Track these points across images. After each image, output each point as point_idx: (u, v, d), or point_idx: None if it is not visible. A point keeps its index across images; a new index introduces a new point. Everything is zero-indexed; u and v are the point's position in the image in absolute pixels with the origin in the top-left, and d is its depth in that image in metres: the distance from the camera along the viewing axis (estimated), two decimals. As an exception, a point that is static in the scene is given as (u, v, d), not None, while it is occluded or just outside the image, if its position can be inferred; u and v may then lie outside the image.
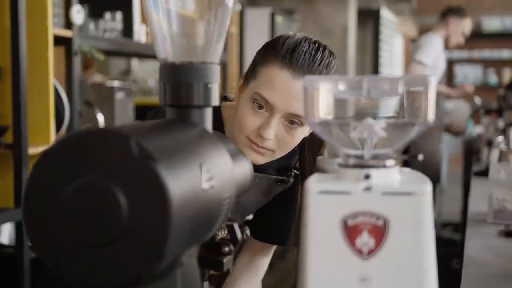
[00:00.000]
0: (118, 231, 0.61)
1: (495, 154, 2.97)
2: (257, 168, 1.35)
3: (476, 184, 2.76)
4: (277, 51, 1.25)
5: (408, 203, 0.67)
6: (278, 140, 1.26)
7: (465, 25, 4.56)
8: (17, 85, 2.35)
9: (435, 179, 4.50)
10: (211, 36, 0.84)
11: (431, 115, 0.69)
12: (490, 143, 3.36)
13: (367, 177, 0.69)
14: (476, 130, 8.72)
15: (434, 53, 4.38)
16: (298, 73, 1.23)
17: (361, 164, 0.71)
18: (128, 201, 0.61)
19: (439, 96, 4.51)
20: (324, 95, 0.71)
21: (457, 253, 2.68)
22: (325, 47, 1.29)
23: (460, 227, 4.91)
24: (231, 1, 0.84)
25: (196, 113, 0.82)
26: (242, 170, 0.86)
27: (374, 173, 0.69)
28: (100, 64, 4.35)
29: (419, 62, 4.33)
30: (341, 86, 0.70)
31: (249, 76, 1.29)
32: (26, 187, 0.63)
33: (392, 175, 0.70)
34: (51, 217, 0.62)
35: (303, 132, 1.28)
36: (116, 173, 0.61)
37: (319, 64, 1.25)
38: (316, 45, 1.27)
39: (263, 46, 1.30)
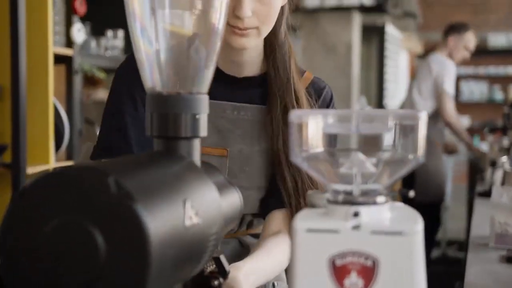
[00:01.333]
0: (97, 272, 0.59)
1: (499, 175, 2.94)
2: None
3: (479, 206, 2.73)
4: None
5: (398, 243, 0.65)
6: (257, 15, 1.21)
7: (467, 40, 4.54)
8: (16, 103, 2.34)
9: (439, 196, 4.46)
10: (199, 66, 0.83)
11: (422, 152, 0.67)
12: (494, 164, 3.33)
13: (356, 214, 0.67)
14: (481, 147, 8.68)
15: (454, 79, 4.43)
16: None
17: (350, 200, 0.68)
18: (106, 241, 0.59)
19: (451, 126, 4.49)
20: (311, 129, 0.68)
21: (461, 273, 2.64)
22: None
23: (465, 246, 4.86)
24: (220, 29, 0.83)
25: (184, 145, 0.80)
26: (230, 202, 0.84)
27: (364, 210, 0.67)
28: (107, 80, 4.35)
29: (449, 94, 4.34)
30: (330, 120, 0.68)
31: None
32: (2, 226, 0.61)
33: (382, 213, 0.68)
34: (28, 257, 0.60)
35: None
36: (94, 212, 0.59)
37: None
38: None
39: None
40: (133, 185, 0.60)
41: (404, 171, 0.69)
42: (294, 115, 0.69)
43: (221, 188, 0.81)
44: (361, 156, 0.69)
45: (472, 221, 2.35)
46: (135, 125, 1.26)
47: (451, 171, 6.41)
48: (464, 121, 10.13)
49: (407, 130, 0.67)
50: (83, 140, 2.78)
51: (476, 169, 4.85)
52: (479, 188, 3.41)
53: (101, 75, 2.73)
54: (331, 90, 1.41)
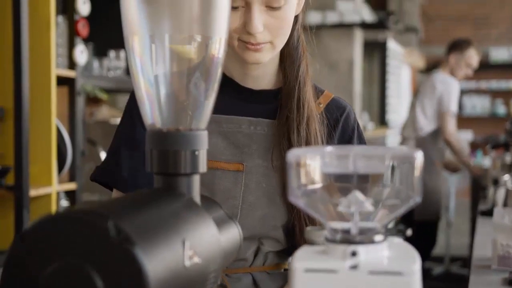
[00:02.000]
0: (96, 315, 0.59)
1: (501, 193, 2.94)
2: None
3: (482, 225, 2.72)
4: None
5: (397, 283, 0.65)
6: (270, 29, 1.16)
7: (468, 57, 4.55)
8: (19, 126, 2.36)
9: (436, 215, 4.48)
10: (198, 100, 0.83)
11: (418, 191, 0.68)
12: (496, 182, 3.33)
13: (353, 254, 0.67)
14: (484, 162, 8.67)
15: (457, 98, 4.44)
16: None
17: (348, 239, 0.69)
18: (106, 285, 0.59)
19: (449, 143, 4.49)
20: (309, 168, 0.69)
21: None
22: None
23: (468, 264, 4.85)
24: (220, 60, 0.83)
25: (183, 181, 0.80)
26: (229, 237, 0.84)
27: (362, 249, 0.67)
28: (109, 100, 4.37)
29: (453, 113, 4.34)
30: (327, 159, 0.69)
31: None
32: (3, 269, 0.62)
33: (380, 251, 0.68)
34: (28, 300, 0.61)
35: (290, 9, 1.18)
36: (93, 256, 0.60)
37: None
38: None
39: None
40: (132, 228, 0.61)
41: (401, 210, 0.70)
42: (292, 154, 0.70)
43: (220, 223, 0.82)
44: (359, 195, 0.69)
45: (475, 242, 2.35)
46: (129, 148, 1.25)
47: (454, 187, 6.40)
48: (466, 136, 10.13)
49: (403, 170, 0.68)
50: (86, 160, 2.79)
51: (478, 186, 4.84)
52: (482, 206, 3.40)
53: (103, 96, 2.75)
54: (353, 110, 1.35)
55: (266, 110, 1.27)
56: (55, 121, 2.49)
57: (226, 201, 1.21)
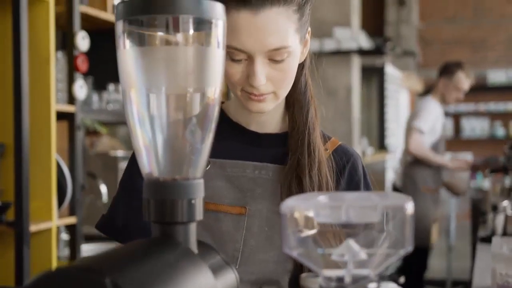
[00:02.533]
0: None
1: (500, 219, 2.95)
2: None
3: (481, 252, 2.73)
4: None
5: (389, 331, 0.66)
6: (273, 81, 1.16)
7: (457, 81, 4.55)
8: (19, 162, 2.37)
9: (425, 241, 4.51)
10: (195, 149, 0.85)
11: (409, 241, 0.69)
12: (495, 208, 3.33)
13: (348, 303, 0.68)
14: (484, 183, 8.66)
15: (431, 118, 4.42)
16: (257, 7, 1.12)
17: (342, 287, 0.70)
18: None
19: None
20: (302, 218, 0.71)
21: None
22: None
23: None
24: (216, 109, 0.85)
25: (180, 229, 0.82)
26: (226, 283, 0.85)
27: (355, 298, 0.69)
28: (109, 133, 4.40)
29: (418, 129, 4.36)
30: (321, 211, 0.70)
31: None
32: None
33: (373, 300, 0.70)
34: None
35: (294, 61, 1.18)
36: (91, 312, 0.61)
37: None
38: None
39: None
40: (130, 284, 0.62)
41: (394, 258, 0.71)
42: (285, 206, 0.71)
43: (217, 269, 0.83)
44: (352, 244, 0.71)
45: (474, 270, 2.35)
46: (127, 198, 1.27)
47: (454, 210, 6.40)
48: (466, 158, 10.15)
49: (395, 219, 0.69)
50: (86, 193, 2.80)
51: (478, 210, 4.85)
52: (481, 232, 3.40)
53: (102, 130, 2.77)
54: (361, 158, 1.34)
55: (272, 155, 1.27)
56: (55, 156, 2.51)
57: (227, 244, 1.21)
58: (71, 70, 2.64)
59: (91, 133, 3.37)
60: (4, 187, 2.42)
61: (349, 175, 1.29)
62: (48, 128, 2.48)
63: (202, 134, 0.85)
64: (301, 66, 1.25)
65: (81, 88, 2.65)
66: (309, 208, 0.71)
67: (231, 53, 1.14)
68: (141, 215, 1.15)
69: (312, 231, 0.72)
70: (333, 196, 0.74)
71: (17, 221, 2.36)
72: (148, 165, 0.84)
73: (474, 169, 4.84)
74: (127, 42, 0.80)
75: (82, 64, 2.65)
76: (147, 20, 0.80)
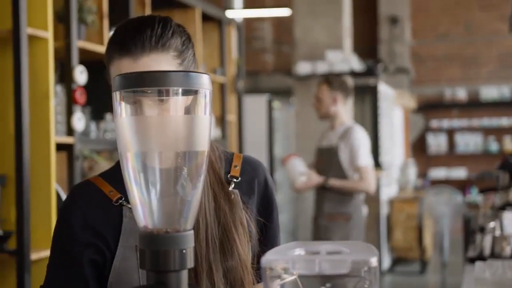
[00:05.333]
0: None
1: (488, 240, 3.03)
2: None
3: (469, 273, 2.80)
4: (112, 45, 1.23)
5: None
6: None
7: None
8: (20, 192, 2.46)
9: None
10: (185, 202, 0.94)
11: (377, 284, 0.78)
12: (482, 229, 3.42)
13: None
14: (477, 199, 8.74)
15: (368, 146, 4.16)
16: (136, 54, 1.19)
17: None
18: None
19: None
20: (279, 271, 0.80)
21: None
22: (160, 21, 1.23)
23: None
24: (205, 165, 0.94)
25: (173, 277, 0.91)
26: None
27: None
28: (109, 159, 4.48)
29: (367, 165, 4.02)
30: (297, 265, 0.79)
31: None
32: None
33: None
34: None
35: (177, 103, 1.20)
36: None
37: (151, 38, 1.20)
38: (148, 21, 1.23)
39: (106, 49, 1.27)
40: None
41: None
42: (265, 260, 0.80)
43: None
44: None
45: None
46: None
47: (448, 227, 6.48)
48: (460, 173, 10.25)
49: (364, 271, 0.79)
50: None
51: (469, 227, 4.93)
52: (471, 252, 3.48)
53: (100, 159, 2.86)
54: (264, 166, 1.41)
55: None
56: (54, 186, 2.60)
57: None
58: (70, 103, 2.74)
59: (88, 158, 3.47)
60: (6, 216, 2.51)
61: (259, 186, 1.37)
62: (48, 159, 2.57)
63: (192, 188, 0.95)
64: None
65: (79, 120, 2.75)
66: (286, 262, 0.80)
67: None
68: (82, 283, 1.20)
69: (288, 283, 0.81)
70: (308, 253, 0.83)
71: (18, 250, 2.44)
72: (144, 219, 0.93)
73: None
74: (124, 111, 0.90)
75: (81, 96, 2.74)
76: (141, 92, 0.89)
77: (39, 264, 2.58)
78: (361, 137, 4.01)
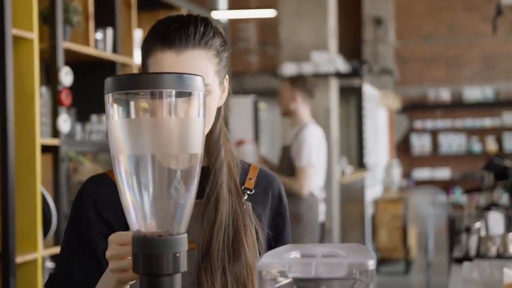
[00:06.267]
0: None
1: (473, 241, 3.04)
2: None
3: (456, 274, 2.81)
4: (154, 37, 1.24)
5: None
6: None
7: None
8: (5, 194, 2.43)
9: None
10: (179, 205, 0.93)
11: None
12: (468, 229, 3.43)
13: None
14: (461, 199, 8.78)
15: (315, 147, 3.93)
16: (180, 48, 1.21)
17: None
18: None
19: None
20: (276, 275, 0.79)
21: None
22: (202, 20, 1.26)
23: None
24: (196, 177, 0.93)
25: (166, 281, 0.90)
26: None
27: None
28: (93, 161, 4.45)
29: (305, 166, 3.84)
30: (293, 268, 0.79)
31: None
32: None
33: None
34: None
35: (213, 100, 1.26)
36: None
37: (195, 35, 1.22)
38: (190, 18, 1.26)
39: (143, 41, 1.29)
40: None
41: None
42: (261, 263, 0.80)
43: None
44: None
45: (448, 293, 2.44)
46: (79, 251, 1.27)
47: (433, 227, 6.51)
48: (443, 173, 10.32)
49: (361, 274, 0.78)
50: (70, 223, 2.86)
51: (454, 227, 4.95)
52: (456, 252, 3.50)
53: (86, 162, 2.84)
54: (279, 181, 1.41)
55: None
56: (40, 188, 2.57)
57: (182, 280, 1.25)
58: (55, 104, 2.72)
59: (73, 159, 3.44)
60: (-9, 220, 2.48)
61: (273, 200, 1.37)
62: (33, 161, 2.55)
63: (185, 191, 0.94)
64: (218, 113, 1.31)
65: (65, 122, 2.72)
66: (283, 265, 0.79)
67: None
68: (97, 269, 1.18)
69: (286, 282, 0.80)
70: (304, 256, 0.82)
71: (3, 253, 2.42)
72: (136, 222, 0.92)
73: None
74: (116, 113, 0.89)
75: (66, 98, 2.72)
76: (134, 94, 0.88)
77: (25, 267, 2.55)
78: (309, 136, 3.87)
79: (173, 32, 1.21)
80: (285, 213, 1.39)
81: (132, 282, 1.06)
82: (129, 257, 0.99)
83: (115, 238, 1.04)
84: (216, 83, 1.27)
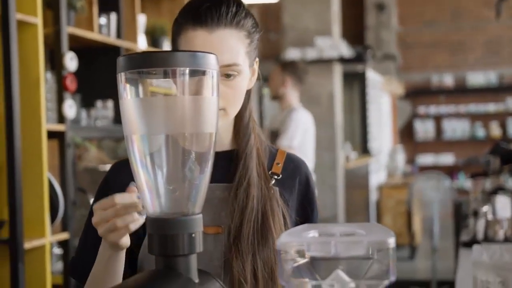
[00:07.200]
0: None
1: (481, 225, 3.04)
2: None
3: (464, 258, 2.80)
4: (185, 16, 1.24)
5: None
6: (223, 97, 1.21)
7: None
8: (12, 181, 2.43)
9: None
10: (194, 185, 0.92)
11: (393, 271, 0.76)
12: (476, 213, 3.42)
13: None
14: (465, 184, 8.78)
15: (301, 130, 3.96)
16: (212, 27, 1.21)
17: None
18: None
19: None
20: (295, 253, 0.78)
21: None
22: (235, 0, 1.26)
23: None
24: (210, 158, 0.92)
25: (182, 261, 0.89)
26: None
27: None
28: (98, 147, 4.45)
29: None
30: (312, 246, 0.78)
31: None
32: None
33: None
34: None
35: (243, 81, 1.25)
36: None
37: (227, 14, 1.22)
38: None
39: (174, 21, 1.28)
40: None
41: (380, 287, 0.78)
42: (280, 242, 0.78)
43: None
44: (341, 274, 0.78)
45: (457, 277, 2.43)
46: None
47: (438, 212, 6.50)
48: (447, 159, 10.31)
49: (380, 253, 0.77)
50: (77, 208, 2.86)
51: (460, 212, 4.94)
52: (464, 236, 3.49)
53: (91, 147, 2.83)
54: (307, 165, 1.40)
55: (224, 173, 1.29)
56: (47, 174, 2.57)
57: (209, 263, 1.25)
58: (60, 90, 2.70)
59: (79, 145, 3.44)
60: (-2, 206, 2.47)
61: (301, 184, 1.36)
62: (40, 147, 2.54)
63: (200, 172, 0.92)
64: (247, 95, 1.31)
65: (70, 107, 2.71)
66: (301, 243, 0.78)
67: None
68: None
69: (304, 264, 0.79)
70: (323, 234, 0.81)
71: (11, 239, 2.41)
72: (151, 203, 0.91)
73: None
74: (129, 93, 0.87)
75: (71, 83, 2.71)
76: (147, 72, 0.87)
77: (33, 253, 2.55)
78: (297, 119, 3.88)
79: (205, 11, 1.21)
80: (313, 198, 1.38)
81: (126, 245, 1.08)
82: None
83: (98, 205, 1.06)
84: (246, 64, 1.26)
